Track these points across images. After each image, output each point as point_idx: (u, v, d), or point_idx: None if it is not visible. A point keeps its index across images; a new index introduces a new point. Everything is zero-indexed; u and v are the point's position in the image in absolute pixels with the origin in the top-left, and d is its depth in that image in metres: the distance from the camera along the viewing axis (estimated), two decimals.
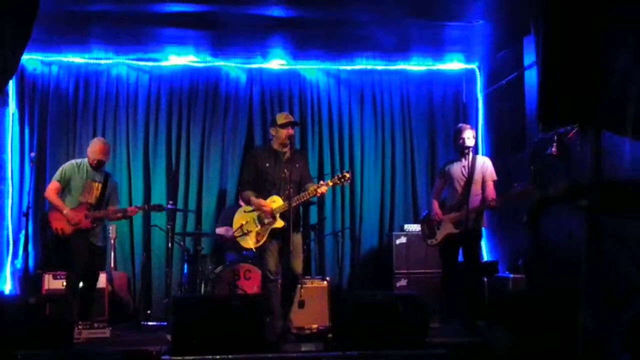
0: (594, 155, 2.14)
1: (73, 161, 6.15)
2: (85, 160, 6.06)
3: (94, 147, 6.04)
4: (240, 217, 5.50)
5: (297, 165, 5.40)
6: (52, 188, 5.98)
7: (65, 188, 5.97)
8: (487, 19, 6.59)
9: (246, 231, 5.41)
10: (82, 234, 5.87)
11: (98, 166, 6.02)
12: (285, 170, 5.32)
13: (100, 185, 6.02)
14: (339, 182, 5.43)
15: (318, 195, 5.33)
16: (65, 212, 5.84)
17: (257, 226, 5.37)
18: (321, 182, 5.39)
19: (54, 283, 6.47)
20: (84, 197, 5.94)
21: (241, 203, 6.37)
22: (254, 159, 5.55)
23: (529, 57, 6.63)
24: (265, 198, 5.35)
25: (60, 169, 6.04)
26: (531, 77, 6.58)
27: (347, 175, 5.41)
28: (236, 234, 5.48)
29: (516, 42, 6.85)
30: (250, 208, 5.45)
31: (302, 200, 5.31)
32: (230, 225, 5.71)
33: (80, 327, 5.36)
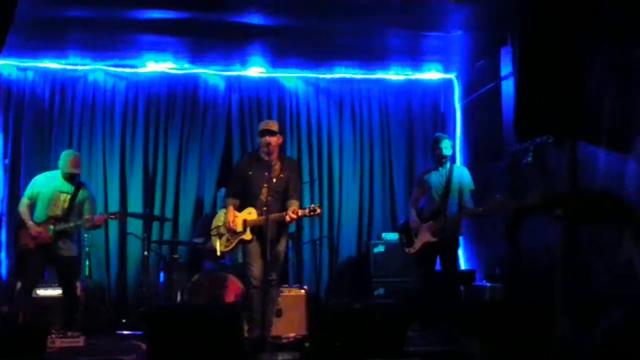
0: (570, 165, 2.16)
1: (47, 173, 6.00)
2: (58, 171, 5.91)
3: (63, 161, 5.86)
4: (221, 219, 5.49)
5: (281, 175, 5.31)
6: (22, 204, 5.86)
7: (35, 201, 5.81)
8: (465, 30, 6.64)
9: (220, 233, 5.42)
10: (41, 250, 5.69)
11: (70, 178, 5.86)
12: (268, 177, 5.24)
13: (68, 197, 5.81)
14: (308, 214, 5.19)
15: (288, 222, 5.22)
16: (28, 224, 5.70)
17: (228, 233, 5.37)
18: (294, 207, 5.16)
19: None
20: (51, 209, 5.76)
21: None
22: (236, 168, 5.64)
23: (506, 68, 6.69)
24: (245, 207, 5.35)
25: (31, 183, 5.92)
26: (508, 87, 6.63)
27: (318, 210, 5.15)
28: (212, 232, 5.50)
29: (493, 53, 6.91)
30: None
31: (276, 219, 5.22)
32: (205, 235, 5.69)
33: (53, 336, 5.28)
